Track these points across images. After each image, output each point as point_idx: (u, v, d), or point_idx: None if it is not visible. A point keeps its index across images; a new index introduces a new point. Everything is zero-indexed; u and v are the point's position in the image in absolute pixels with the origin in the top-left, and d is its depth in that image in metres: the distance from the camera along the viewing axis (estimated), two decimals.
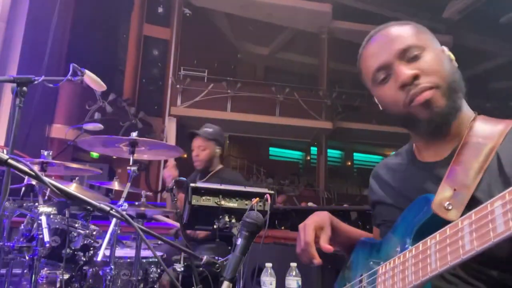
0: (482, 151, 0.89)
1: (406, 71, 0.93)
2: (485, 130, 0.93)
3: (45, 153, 2.45)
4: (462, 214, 0.80)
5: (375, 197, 1.14)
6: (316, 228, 1.08)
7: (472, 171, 0.88)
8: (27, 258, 2.18)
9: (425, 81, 0.92)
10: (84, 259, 2.31)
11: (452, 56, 1.00)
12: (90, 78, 1.96)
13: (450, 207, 0.86)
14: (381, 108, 1.06)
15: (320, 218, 1.11)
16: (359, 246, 1.13)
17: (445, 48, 1.01)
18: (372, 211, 1.18)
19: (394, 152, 1.20)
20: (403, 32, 0.98)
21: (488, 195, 0.82)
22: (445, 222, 0.81)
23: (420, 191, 0.95)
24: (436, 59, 0.95)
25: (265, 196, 1.66)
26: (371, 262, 1.00)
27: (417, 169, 1.02)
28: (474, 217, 0.71)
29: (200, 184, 1.75)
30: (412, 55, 0.95)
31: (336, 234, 1.13)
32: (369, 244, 1.09)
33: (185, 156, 3.01)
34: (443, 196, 0.88)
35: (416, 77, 0.92)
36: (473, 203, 0.84)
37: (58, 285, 2.27)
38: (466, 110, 0.99)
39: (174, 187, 2.19)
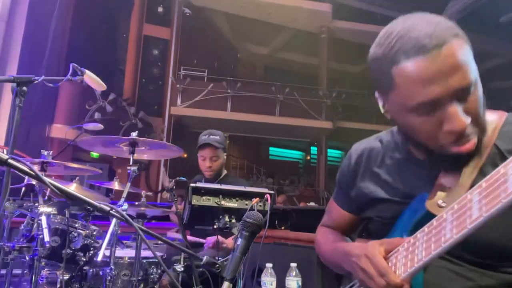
0: (477, 149, 0.89)
1: (463, 119, 0.81)
2: None
3: (45, 153, 2.45)
4: None
5: (366, 191, 1.08)
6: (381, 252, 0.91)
7: (467, 169, 0.89)
8: (27, 258, 2.18)
9: (472, 130, 0.84)
10: (84, 259, 2.31)
11: None
12: (90, 78, 1.96)
13: (443, 205, 0.87)
14: (388, 117, 0.96)
15: (371, 246, 0.93)
16: None
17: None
18: (355, 199, 1.13)
19: (379, 137, 1.14)
20: (465, 61, 0.81)
21: None
22: None
23: (417, 188, 0.96)
24: (478, 100, 0.85)
25: (265, 196, 1.66)
26: None
27: (414, 165, 1.00)
28: (456, 207, 0.74)
29: (200, 184, 1.74)
30: (467, 94, 0.82)
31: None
32: None
33: (185, 156, 3.01)
34: (438, 195, 0.89)
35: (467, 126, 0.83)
36: None
37: (58, 285, 2.26)
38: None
39: (174, 187, 2.19)
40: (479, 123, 0.85)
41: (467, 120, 0.82)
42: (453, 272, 0.92)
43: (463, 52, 0.81)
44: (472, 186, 0.86)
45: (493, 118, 0.93)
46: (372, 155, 1.11)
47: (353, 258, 0.95)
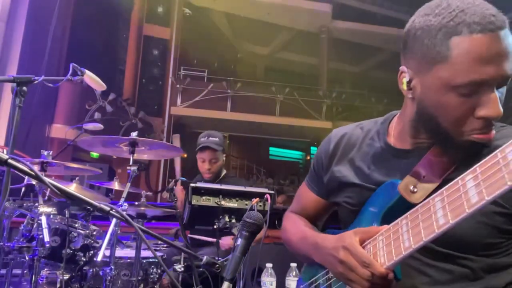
0: None
1: (500, 107, 0.80)
2: None
3: (45, 153, 2.45)
4: (426, 198, 0.80)
5: (339, 174, 1.07)
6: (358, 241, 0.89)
7: (445, 162, 0.89)
8: (27, 258, 2.18)
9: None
10: (84, 259, 2.31)
11: None
12: (90, 78, 1.96)
13: (415, 190, 0.87)
14: (409, 95, 0.91)
15: (347, 236, 0.91)
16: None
17: None
18: (327, 184, 1.12)
19: (360, 124, 1.13)
20: None
21: None
22: (411, 206, 0.81)
23: (391, 177, 0.95)
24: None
25: (265, 196, 1.66)
26: None
27: (392, 155, 0.99)
28: (445, 193, 0.72)
29: (200, 184, 1.75)
30: (506, 85, 0.82)
31: None
32: (336, 232, 1.07)
33: (185, 155, 3.01)
34: (410, 180, 0.88)
35: None
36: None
37: (58, 285, 2.26)
38: None
39: (174, 187, 2.19)
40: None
41: (501, 110, 0.80)
42: (411, 268, 0.91)
43: None
44: (447, 177, 0.86)
45: None
46: (351, 141, 1.10)
47: (328, 251, 0.93)
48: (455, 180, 0.71)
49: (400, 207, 0.86)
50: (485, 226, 0.86)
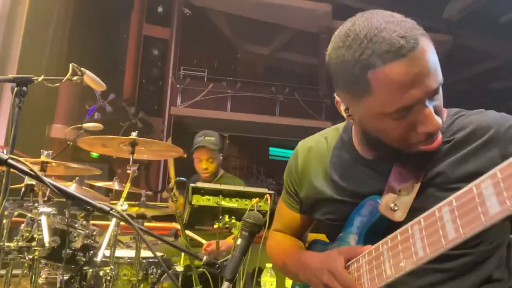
0: None
1: (437, 119, 0.81)
2: None
3: (45, 153, 2.45)
4: (408, 214, 0.84)
5: (314, 191, 1.06)
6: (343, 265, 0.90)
7: (412, 171, 0.90)
8: (27, 258, 2.17)
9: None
10: (84, 260, 2.31)
11: None
12: (90, 78, 1.96)
13: (396, 208, 0.87)
14: (351, 120, 0.93)
15: (331, 259, 0.91)
16: (312, 248, 1.11)
17: None
18: (304, 200, 1.10)
19: (324, 134, 1.11)
20: (436, 60, 0.80)
21: (430, 196, 0.86)
22: (392, 222, 0.84)
23: (366, 187, 0.95)
24: (441, 93, 0.85)
25: (265, 196, 1.66)
26: None
27: (362, 165, 0.99)
28: (423, 223, 0.73)
29: (200, 184, 1.75)
30: (435, 95, 0.82)
31: None
32: (321, 247, 1.07)
33: (185, 155, 3.01)
34: (389, 198, 0.89)
35: None
36: (417, 203, 0.87)
37: (58, 285, 2.26)
38: None
39: (174, 187, 2.19)
40: (441, 121, 0.85)
41: (439, 120, 0.82)
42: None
43: (432, 50, 0.80)
44: (419, 190, 0.87)
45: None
46: (318, 153, 1.08)
47: (313, 272, 0.93)
48: (431, 210, 0.72)
49: (382, 225, 0.89)
50: None
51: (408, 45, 0.76)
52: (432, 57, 0.79)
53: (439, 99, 0.85)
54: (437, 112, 0.83)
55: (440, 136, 0.86)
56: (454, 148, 0.88)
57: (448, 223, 0.67)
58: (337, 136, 1.07)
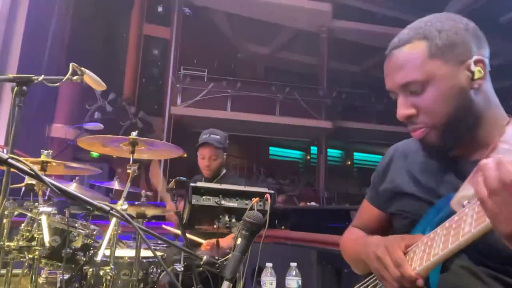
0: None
1: (401, 110, 0.95)
2: None
3: (45, 152, 2.45)
4: None
5: (392, 184, 1.09)
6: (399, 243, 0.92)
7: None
8: (27, 258, 2.18)
9: (419, 120, 0.93)
10: (84, 259, 2.31)
11: (479, 74, 0.90)
12: (90, 78, 1.96)
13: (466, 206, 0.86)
14: None
15: (392, 238, 0.95)
16: None
17: (471, 64, 0.90)
18: (382, 193, 1.13)
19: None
20: (409, 61, 0.92)
21: None
22: None
23: (445, 186, 0.96)
24: (438, 96, 0.90)
25: (265, 195, 1.66)
26: None
27: (444, 164, 0.99)
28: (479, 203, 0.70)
29: (200, 184, 1.74)
30: (413, 90, 0.92)
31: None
32: None
33: (185, 155, 3.01)
34: (463, 195, 0.86)
35: (411, 116, 0.94)
36: None
37: (58, 285, 2.27)
38: (496, 115, 0.96)
39: (174, 187, 2.19)
40: (432, 117, 0.91)
41: (408, 110, 0.94)
42: (474, 276, 0.89)
43: (417, 52, 0.92)
44: None
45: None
46: (406, 152, 1.11)
47: (372, 247, 0.95)
48: None
49: None
50: None
51: (396, 43, 0.96)
52: (409, 57, 0.92)
53: (429, 97, 0.91)
54: (418, 107, 0.93)
55: (423, 129, 0.94)
56: None
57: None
58: None
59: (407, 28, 0.96)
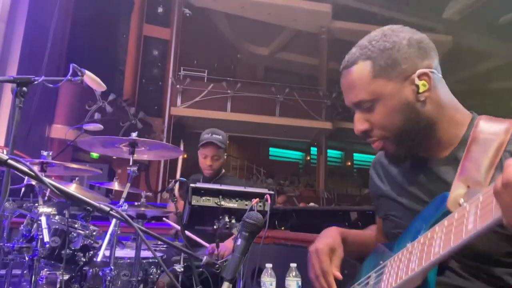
0: (491, 148, 0.89)
1: (357, 125, 1.01)
2: (491, 127, 0.93)
3: (45, 153, 2.45)
4: None
5: (377, 189, 1.14)
6: (329, 252, 1.07)
7: (483, 167, 0.88)
8: (27, 258, 2.18)
9: (374, 133, 1.00)
10: (84, 260, 2.30)
11: (423, 87, 0.93)
12: (90, 78, 1.96)
13: (464, 204, 0.86)
14: None
15: (332, 239, 1.10)
16: (373, 252, 1.12)
17: (415, 79, 0.93)
18: (376, 202, 1.18)
19: None
20: (356, 81, 0.98)
21: None
22: None
23: (420, 187, 1.00)
24: (386, 112, 0.96)
25: (265, 196, 1.66)
26: (381, 262, 0.99)
27: (419, 165, 1.02)
28: (481, 198, 0.69)
29: (200, 185, 1.74)
30: (364, 107, 0.99)
31: (347, 246, 1.12)
32: (383, 247, 1.08)
33: (185, 156, 3.00)
34: (457, 193, 0.87)
35: (366, 130, 1.00)
36: None
37: (58, 285, 2.26)
38: (453, 117, 0.98)
39: (174, 187, 2.19)
40: (385, 130, 0.98)
41: (362, 126, 1.00)
42: (455, 273, 0.92)
43: (362, 73, 0.96)
44: (490, 183, 0.85)
45: (506, 124, 0.94)
46: (381, 160, 1.16)
47: (316, 241, 1.10)
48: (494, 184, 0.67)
49: None
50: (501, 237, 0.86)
51: (345, 63, 1.00)
52: (356, 78, 0.97)
53: (380, 113, 0.96)
54: (371, 122, 0.98)
55: (379, 141, 1.00)
56: None
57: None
58: None
59: (355, 47, 1.00)
